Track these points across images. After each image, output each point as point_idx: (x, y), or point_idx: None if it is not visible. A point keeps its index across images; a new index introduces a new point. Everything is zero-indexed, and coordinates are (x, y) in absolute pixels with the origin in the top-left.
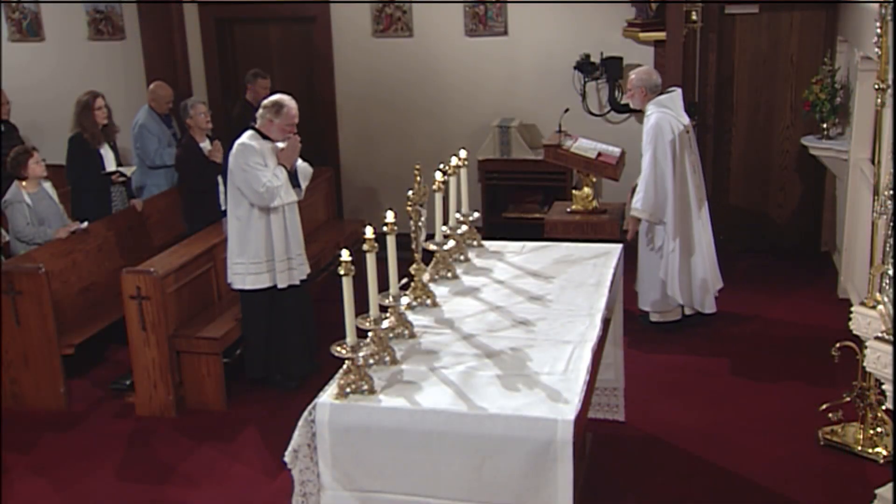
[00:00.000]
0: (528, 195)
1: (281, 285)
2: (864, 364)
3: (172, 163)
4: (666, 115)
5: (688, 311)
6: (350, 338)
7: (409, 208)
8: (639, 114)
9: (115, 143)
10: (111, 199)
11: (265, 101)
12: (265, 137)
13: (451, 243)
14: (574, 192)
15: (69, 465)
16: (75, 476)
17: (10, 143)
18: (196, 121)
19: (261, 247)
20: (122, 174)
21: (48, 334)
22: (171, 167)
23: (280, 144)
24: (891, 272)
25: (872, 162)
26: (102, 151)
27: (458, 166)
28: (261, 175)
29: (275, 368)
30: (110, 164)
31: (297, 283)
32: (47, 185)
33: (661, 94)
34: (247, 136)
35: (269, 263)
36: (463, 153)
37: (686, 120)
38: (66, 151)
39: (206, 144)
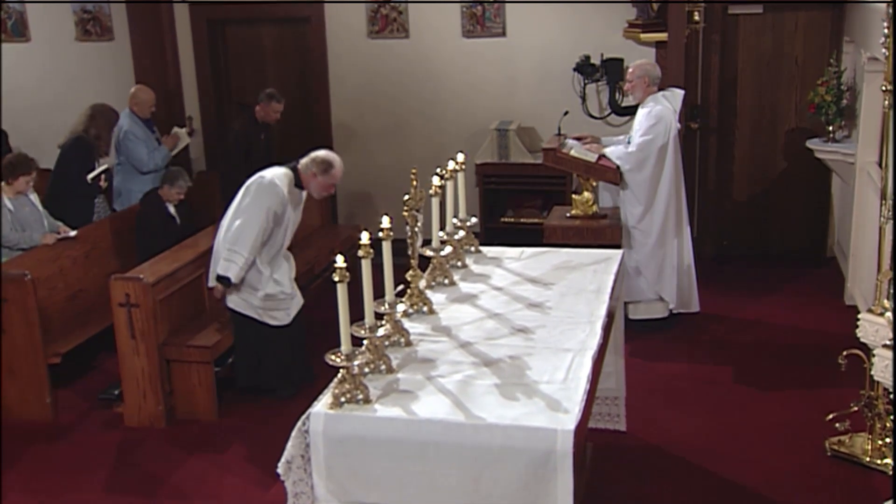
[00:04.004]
0: (526, 200)
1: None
2: (872, 373)
3: (164, 166)
4: (668, 111)
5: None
6: (345, 346)
7: (406, 213)
8: None
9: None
10: (95, 208)
11: (316, 155)
12: (298, 184)
13: (449, 249)
14: (574, 196)
15: (55, 478)
16: (62, 489)
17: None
18: (169, 195)
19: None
20: (108, 175)
21: (34, 343)
22: (163, 171)
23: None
24: None
25: (880, 165)
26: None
27: (455, 170)
28: (253, 238)
29: (267, 377)
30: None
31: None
32: (30, 192)
33: (662, 90)
34: (282, 175)
35: None
36: (460, 157)
37: (678, 125)
38: (68, 151)
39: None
